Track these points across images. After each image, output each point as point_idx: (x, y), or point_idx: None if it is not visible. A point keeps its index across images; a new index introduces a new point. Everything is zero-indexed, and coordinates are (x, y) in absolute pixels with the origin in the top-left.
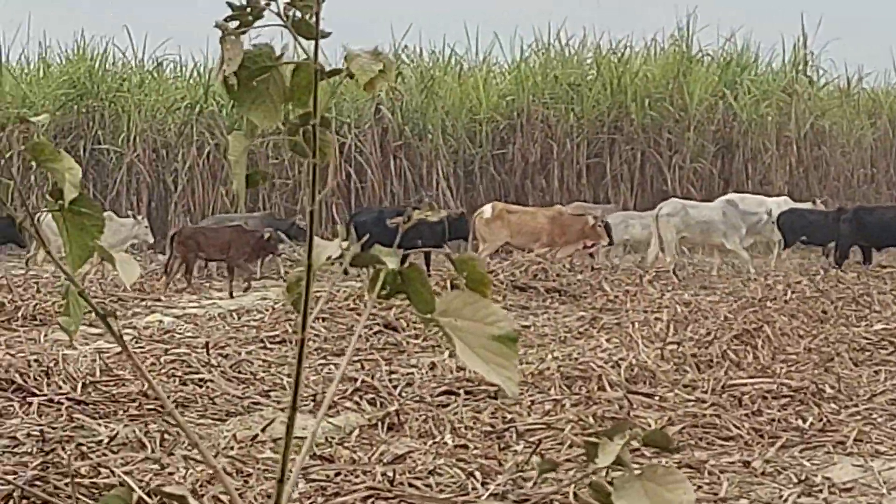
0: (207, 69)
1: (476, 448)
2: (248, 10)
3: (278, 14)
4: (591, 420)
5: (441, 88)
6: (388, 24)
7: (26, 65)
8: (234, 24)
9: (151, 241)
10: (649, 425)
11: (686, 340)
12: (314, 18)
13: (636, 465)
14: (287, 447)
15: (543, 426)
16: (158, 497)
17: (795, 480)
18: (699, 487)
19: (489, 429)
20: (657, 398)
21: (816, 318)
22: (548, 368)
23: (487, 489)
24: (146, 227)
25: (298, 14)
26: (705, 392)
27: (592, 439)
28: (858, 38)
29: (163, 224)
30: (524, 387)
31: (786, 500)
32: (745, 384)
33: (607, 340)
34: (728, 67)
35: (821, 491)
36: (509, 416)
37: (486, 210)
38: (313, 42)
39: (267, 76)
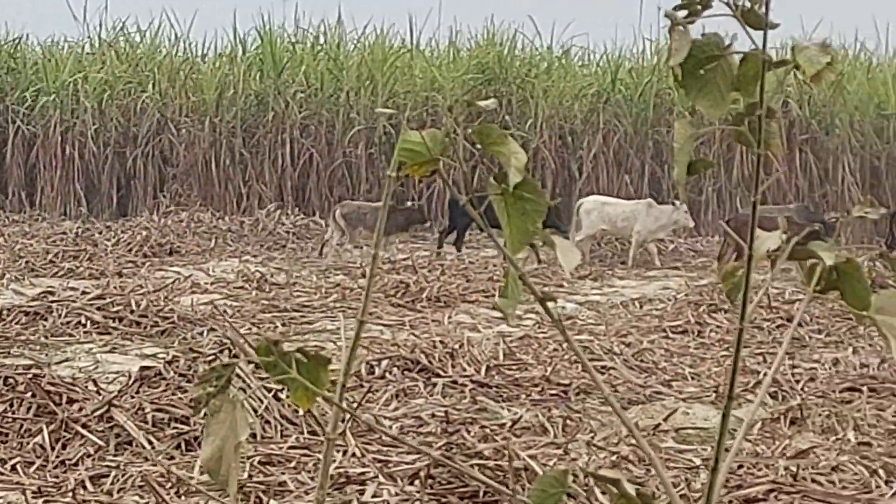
0: (614, 58)
1: (880, 446)
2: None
3: (727, 4)
4: None
5: (850, 83)
6: (797, 17)
7: (436, 48)
8: (683, 13)
9: (692, 225)
10: None
11: None
12: (763, 9)
13: None
14: (722, 435)
15: None
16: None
17: None
18: None
19: (893, 427)
20: None
21: None
22: None
23: (892, 487)
24: (685, 211)
25: (748, 4)
26: None
27: None
28: None
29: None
30: None
31: None
32: None
33: None
34: None
35: None
36: None
37: None
38: (761, 32)
39: (715, 65)
